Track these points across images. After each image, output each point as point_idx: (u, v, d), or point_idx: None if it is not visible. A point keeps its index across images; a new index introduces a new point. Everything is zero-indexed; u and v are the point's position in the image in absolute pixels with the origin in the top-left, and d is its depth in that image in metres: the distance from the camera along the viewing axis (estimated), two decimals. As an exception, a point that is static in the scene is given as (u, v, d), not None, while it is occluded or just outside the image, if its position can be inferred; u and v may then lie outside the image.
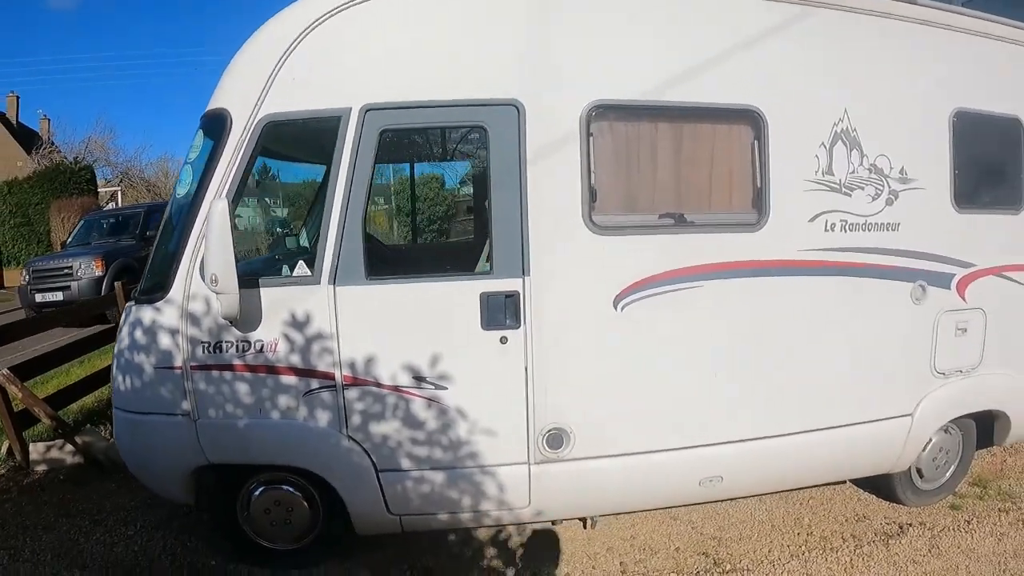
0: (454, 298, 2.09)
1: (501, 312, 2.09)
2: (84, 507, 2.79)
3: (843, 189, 2.34)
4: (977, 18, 2.63)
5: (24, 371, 3.22)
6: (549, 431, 2.18)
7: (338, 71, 2.03)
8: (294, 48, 2.00)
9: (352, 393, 2.11)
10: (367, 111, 2.01)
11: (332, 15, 1.99)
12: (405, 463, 2.17)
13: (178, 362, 2.09)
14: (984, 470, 3.34)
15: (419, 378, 2.12)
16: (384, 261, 2.42)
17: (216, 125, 2.07)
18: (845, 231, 2.36)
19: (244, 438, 2.13)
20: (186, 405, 2.10)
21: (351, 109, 2.01)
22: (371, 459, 2.15)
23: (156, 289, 2.10)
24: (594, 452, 2.23)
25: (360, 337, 2.09)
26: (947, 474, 2.91)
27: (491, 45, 2.04)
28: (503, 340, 2.11)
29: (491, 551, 2.59)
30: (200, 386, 2.10)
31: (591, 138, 2.08)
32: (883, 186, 2.41)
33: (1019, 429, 2.89)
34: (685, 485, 2.35)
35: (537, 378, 2.14)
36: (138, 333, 2.12)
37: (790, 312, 2.34)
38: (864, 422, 2.52)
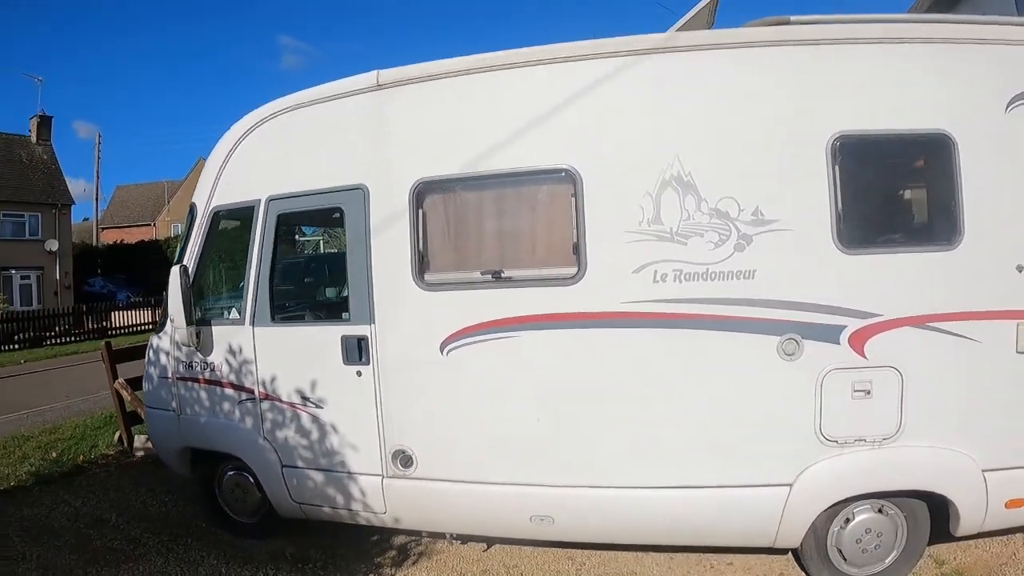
0: (324, 339, 3.05)
1: (355, 352, 2.97)
2: (150, 481, 4.50)
3: (675, 238, 2.55)
4: (866, 22, 2.52)
5: (136, 384, 5.12)
6: (396, 451, 2.96)
7: (252, 174, 3.20)
8: (227, 161, 3.25)
9: (265, 405, 3.23)
10: (270, 200, 3.14)
11: (244, 137, 3.18)
12: (299, 462, 3.19)
13: (170, 374, 3.50)
14: (976, 561, 2.96)
15: (305, 398, 3.13)
16: (285, 308, 3.49)
17: (191, 213, 3.45)
18: (680, 281, 2.55)
19: (204, 431, 3.43)
20: (174, 404, 3.51)
21: (261, 200, 3.16)
22: (278, 456, 3.23)
23: (162, 324, 3.56)
24: (435, 475, 2.92)
25: (270, 364, 3.20)
26: (886, 561, 2.73)
27: (344, 146, 2.96)
28: (359, 373, 2.99)
29: (392, 553, 3.43)
30: (181, 391, 3.48)
31: (419, 210, 2.82)
32: (729, 231, 2.51)
33: (971, 518, 2.57)
34: (516, 519, 2.83)
35: (384, 406, 2.95)
36: (152, 354, 3.62)
37: (618, 364, 2.63)
38: (724, 486, 2.60)
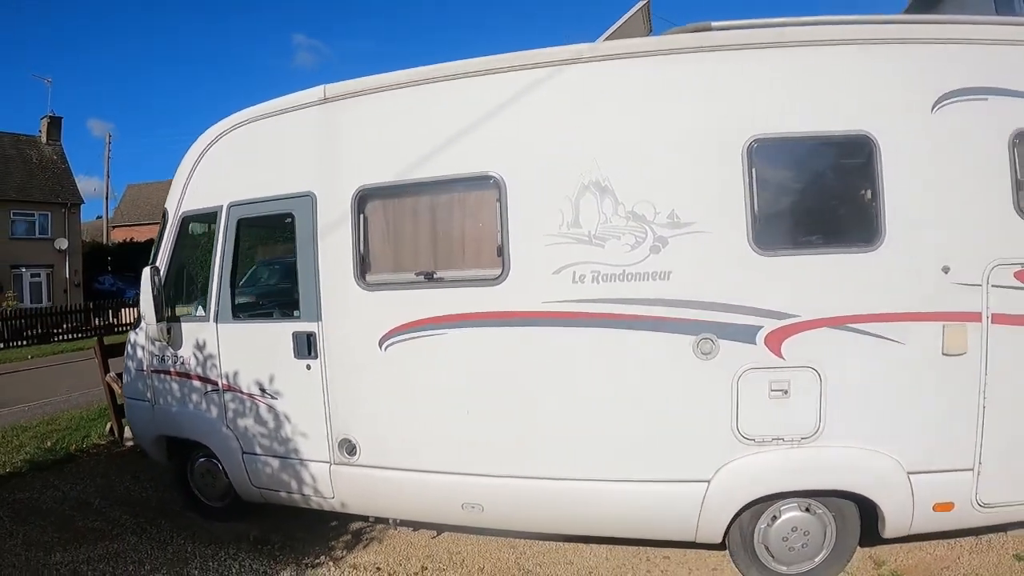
0: (278, 335, 3.41)
1: (305, 347, 3.32)
2: (135, 469, 4.96)
3: (593, 240, 2.78)
4: (787, 26, 2.67)
5: (125, 375, 5.69)
6: (341, 440, 3.31)
7: (216, 182, 3.59)
8: (193, 171, 3.65)
9: (228, 396, 3.62)
10: (231, 207, 3.52)
11: (209, 148, 3.57)
12: (258, 449, 3.57)
13: (145, 367, 3.93)
14: (917, 563, 3.10)
15: (262, 390, 3.50)
16: (244, 306, 3.87)
17: (164, 218, 3.86)
18: (598, 282, 2.79)
19: (175, 420, 3.84)
20: (149, 395, 3.93)
21: (223, 206, 3.54)
22: (239, 443, 3.62)
23: (139, 321, 3.99)
24: (376, 463, 3.25)
25: (232, 357, 3.59)
26: (815, 559, 2.88)
27: (295, 156, 3.31)
28: (308, 367, 3.34)
29: (346, 537, 3.79)
30: (155, 383, 3.90)
31: (361, 215, 3.15)
32: (645, 233, 2.73)
33: (897, 521, 2.70)
34: (449, 506, 3.13)
35: (331, 398, 3.31)
36: (130, 348, 4.05)
37: (540, 361, 2.89)
38: (644, 480, 2.81)
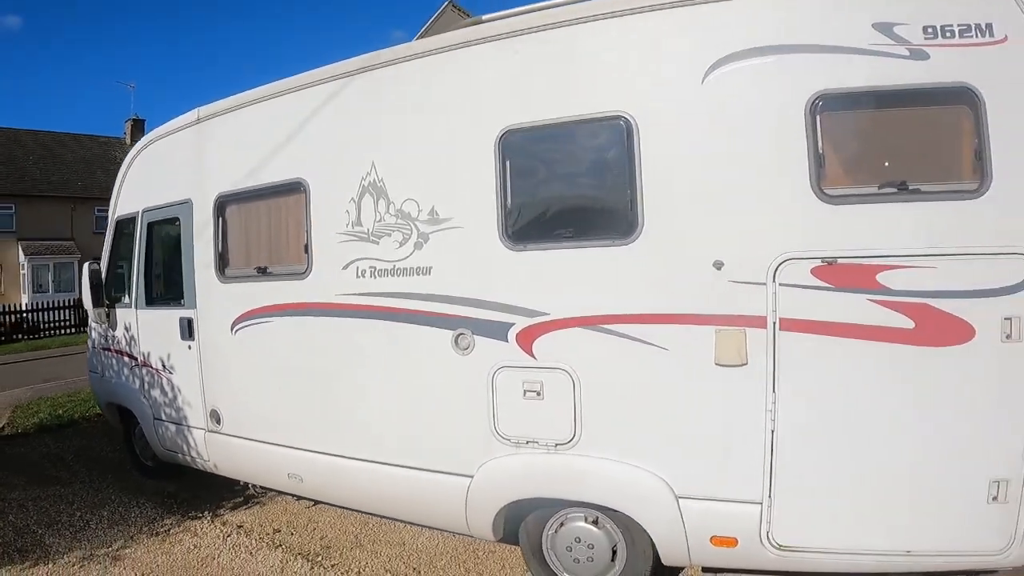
0: (172, 319, 4.73)
1: (187, 330, 4.59)
2: (115, 435, 6.68)
3: (371, 237, 3.57)
4: (541, 9, 2.94)
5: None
6: (212, 411, 4.53)
7: (133, 192, 5.06)
8: (123, 181, 5.16)
9: (144, 370, 5.04)
10: (144, 211, 4.93)
11: (132, 162, 5.07)
12: (163, 416, 4.94)
13: (97, 345, 5.53)
14: None
15: (164, 365, 4.85)
16: (153, 295, 5.20)
17: (106, 222, 5.41)
18: (375, 277, 3.59)
19: (114, 389, 5.40)
20: (99, 368, 5.53)
21: (139, 211, 4.96)
22: (152, 411, 5.01)
23: (94, 307, 5.60)
24: (233, 432, 4.42)
25: (146, 338, 5.01)
26: None
27: (180, 168, 4.61)
28: (190, 347, 4.61)
29: (237, 499, 5.03)
30: (102, 358, 5.49)
31: (220, 218, 4.33)
32: (410, 230, 3.41)
33: (670, 550, 2.78)
34: (279, 475, 4.15)
35: (204, 373, 4.54)
36: (89, 329, 5.69)
37: (335, 348, 3.77)
38: (417, 468, 3.40)
